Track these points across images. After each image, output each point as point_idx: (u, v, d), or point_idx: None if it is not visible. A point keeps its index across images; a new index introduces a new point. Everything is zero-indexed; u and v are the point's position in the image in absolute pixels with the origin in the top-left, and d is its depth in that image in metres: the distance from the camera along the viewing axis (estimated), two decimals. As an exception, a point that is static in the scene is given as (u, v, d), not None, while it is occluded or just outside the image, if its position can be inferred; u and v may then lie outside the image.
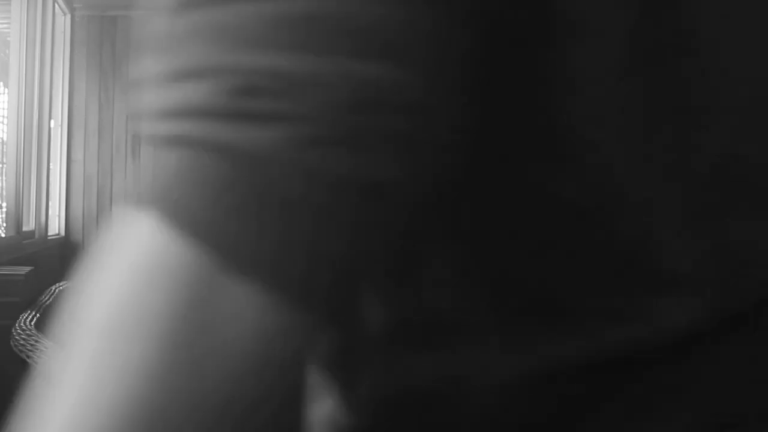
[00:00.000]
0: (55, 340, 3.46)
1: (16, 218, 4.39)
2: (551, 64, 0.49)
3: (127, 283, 0.40)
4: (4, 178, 4.70)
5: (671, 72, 0.51)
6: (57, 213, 5.37)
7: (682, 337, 0.54)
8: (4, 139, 4.74)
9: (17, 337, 3.62)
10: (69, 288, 4.50)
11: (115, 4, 5.37)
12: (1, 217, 4.77)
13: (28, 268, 4.09)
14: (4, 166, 4.65)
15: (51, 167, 5.35)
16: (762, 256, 0.55)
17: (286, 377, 0.45)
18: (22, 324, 3.77)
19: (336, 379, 0.63)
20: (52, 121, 5.28)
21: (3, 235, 4.57)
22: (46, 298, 4.25)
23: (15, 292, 4.31)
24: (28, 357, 3.50)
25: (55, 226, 5.33)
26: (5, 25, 4.80)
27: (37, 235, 4.71)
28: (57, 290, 4.37)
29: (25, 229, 4.50)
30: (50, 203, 5.34)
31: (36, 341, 3.62)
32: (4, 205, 4.65)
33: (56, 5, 5.14)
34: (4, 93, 4.91)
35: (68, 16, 5.38)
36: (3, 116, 4.82)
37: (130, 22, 5.46)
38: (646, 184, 0.51)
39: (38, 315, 4.00)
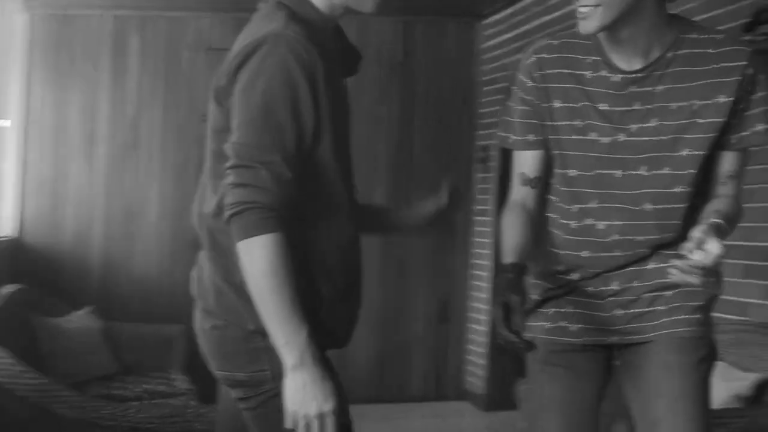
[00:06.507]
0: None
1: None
2: None
3: None
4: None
5: None
6: (9, 213, 5.28)
7: None
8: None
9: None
10: (20, 291, 4.41)
11: (74, 3, 5.31)
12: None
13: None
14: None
15: (4, 167, 5.27)
16: None
17: None
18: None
19: None
20: (8, 121, 5.20)
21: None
22: (-3, 301, 4.15)
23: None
24: (-25, 360, 3.43)
25: (7, 227, 5.24)
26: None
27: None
28: (8, 293, 4.28)
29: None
30: (2, 204, 5.26)
31: (-16, 345, 3.54)
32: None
33: (14, 3, 5.06)
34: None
35: (26, 15, 5.30)
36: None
37: (89, 22, 5.40)
38: None
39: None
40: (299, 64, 1.64)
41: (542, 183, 1.97)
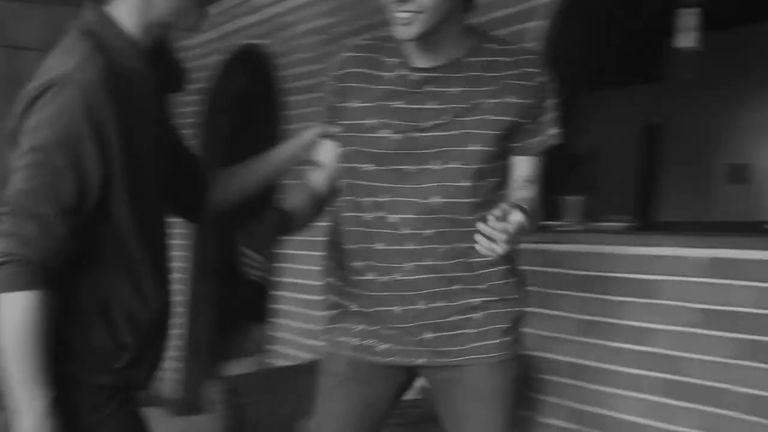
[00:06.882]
0: None
1: None
2: None
3: None
4: None
5: None
6: None
7: None
8: None
9: None
10: None
11: None
12: None
13: None
14: None
15: None
16: None
17: None
18: None
19: None
20: None
21: None
22: None
23: None
24: None
25: None
26: None
27: None
28: None
29: None
30: None
31: None
32: None
33: None
34: None
35: None
36: None
37: None
38: None
39: None
40: (86, 113, 1.55)
41: (336, 175, 2.02)
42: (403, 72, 1.91)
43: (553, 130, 1.97)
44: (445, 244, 1.91)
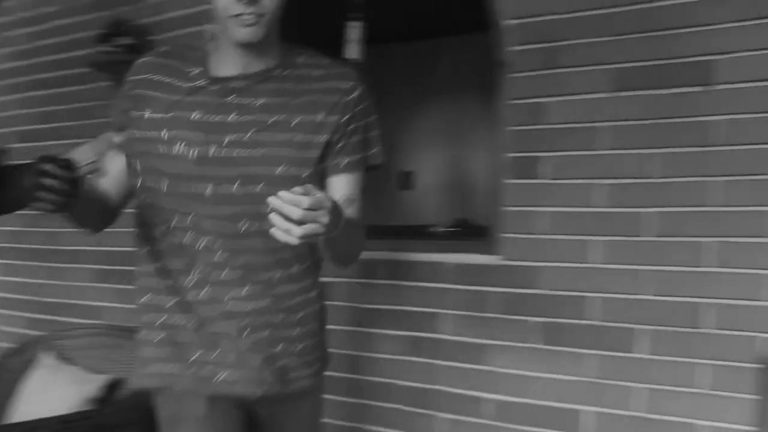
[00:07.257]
0: None
1: None
2: None
3: None
4: None
5: None
6: None
7: None
8: None
9: None
10: None
11: None
12: None
13: None
14: None
15: None
16: None
17: None
18: None
19: None
20: None
21: None
22: None
23: None
24: None
25: None
26: None
27: None
28: None
29: None
30: None
31: None
32: None
33: None
34: None
35: None
36: None
37: None
38: None
39: None
40: None
41: (119, 188, 1.84)
42: (203, 82, 1.77)
43: (373, 149, 1.87)
44: (263, 271, 1.77)
